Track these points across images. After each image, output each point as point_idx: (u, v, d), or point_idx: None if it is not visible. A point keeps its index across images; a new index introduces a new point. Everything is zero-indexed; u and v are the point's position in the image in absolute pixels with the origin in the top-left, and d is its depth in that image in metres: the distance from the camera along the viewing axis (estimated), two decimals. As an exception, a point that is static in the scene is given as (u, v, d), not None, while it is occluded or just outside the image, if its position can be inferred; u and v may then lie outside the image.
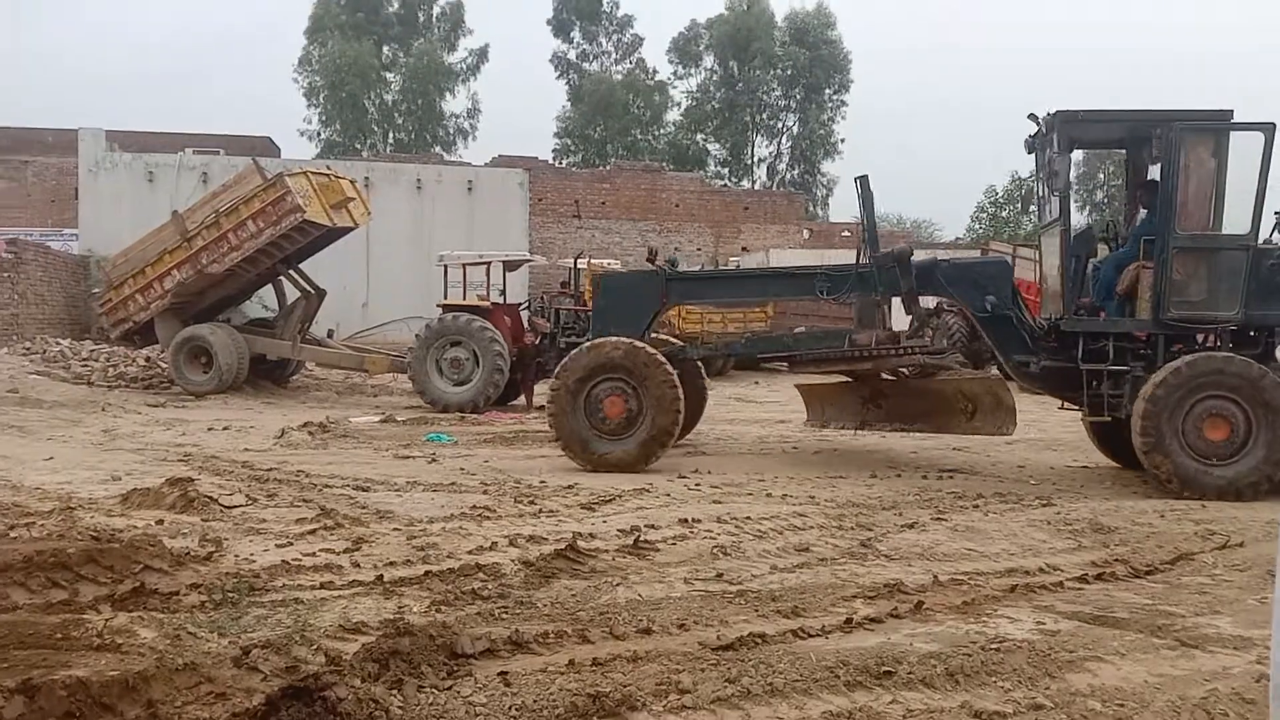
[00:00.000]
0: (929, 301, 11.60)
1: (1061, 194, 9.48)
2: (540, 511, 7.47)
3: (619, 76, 50.65)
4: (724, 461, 10.20)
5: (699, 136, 51.93)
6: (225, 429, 12.13)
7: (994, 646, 4.50)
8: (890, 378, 10.71)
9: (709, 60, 51.30)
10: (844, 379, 10.97)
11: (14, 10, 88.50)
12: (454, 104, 49.55)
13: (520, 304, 19.39)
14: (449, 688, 3.83)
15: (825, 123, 51.48)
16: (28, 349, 17.81)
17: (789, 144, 52.46)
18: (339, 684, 3.51)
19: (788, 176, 51.89)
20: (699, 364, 11.29)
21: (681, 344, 11.09)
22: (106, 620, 4.51)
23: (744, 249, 34.21)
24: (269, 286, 18.10)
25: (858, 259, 9.91)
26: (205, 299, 17.22)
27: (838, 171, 52.68)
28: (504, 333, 15.82)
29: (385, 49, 48.72)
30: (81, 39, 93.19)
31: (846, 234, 39.05)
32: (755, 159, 52.89)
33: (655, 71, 51.67)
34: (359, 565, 5.78)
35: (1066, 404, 9.67)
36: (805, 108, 51.05)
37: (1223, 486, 8.35)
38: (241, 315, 18.45)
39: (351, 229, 17.77)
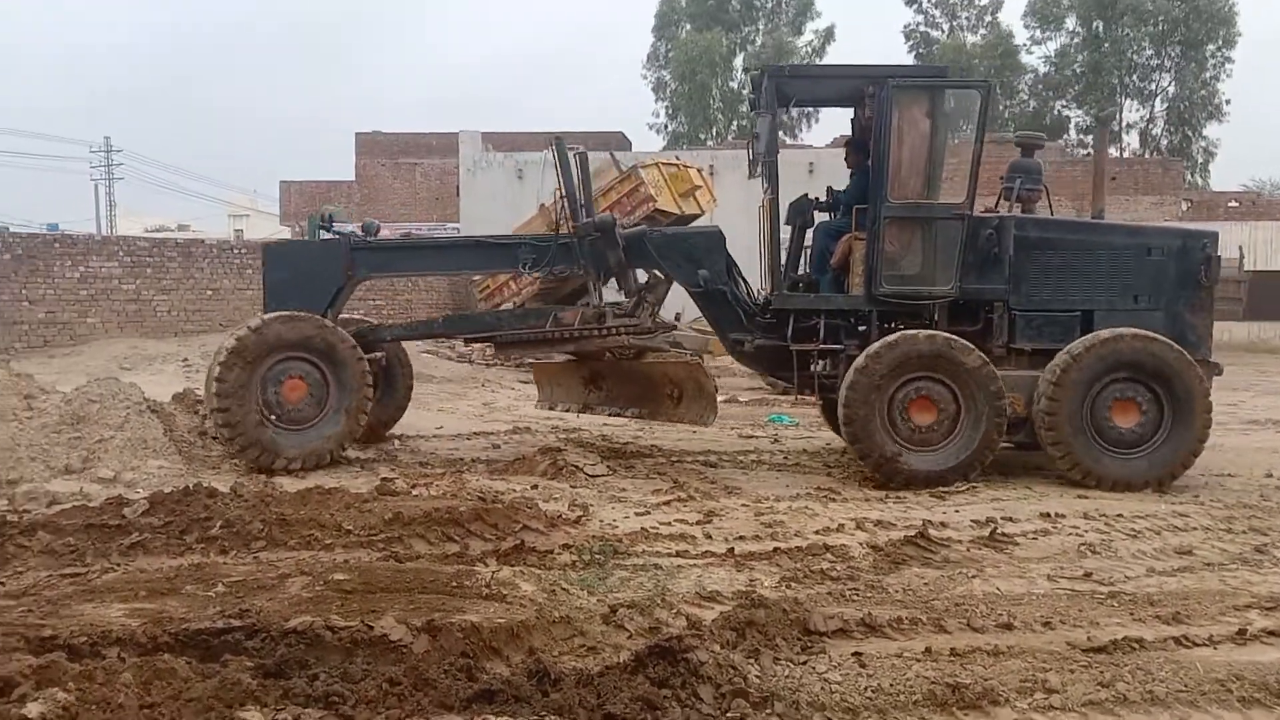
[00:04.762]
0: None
1: (766, 158, 8.28)
2: (887, 496, 7.37)
3: (973, 45, 48.24)
4: (1088, 453, 9.46)
5: (1058, 104, 48.34)
6: (585, 405, 12.99)
7: None
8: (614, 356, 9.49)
9: (1070, 22, 47.58)
10: (571, 358, 9.74)
11: (400, 29, 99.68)
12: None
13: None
14: (804, 662, 3.89)
15: (1207, 81, 46.00)
16: (419, 330, 20.03)
17: (1164, 107, 47.48)
18: (700, 648, 3.67)
19: (1163, 142, 47.01)
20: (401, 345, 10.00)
21: (373, 324, 9.69)
22: (493, 573, 5.01)
23: (1109, 224, 31.43)
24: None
25: (556, 229, 8.75)
26: (568, 285, 18.45)
27: (1222, 135, 46.95)
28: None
29: (727, 37, 49.62)
30: (455, 48, 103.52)
31: (1234, 204, 34.78)
32: (1124, 125, 48.41)
33: (1011, 35, 48.75)
34: (711, 537, 6.01)
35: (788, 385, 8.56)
36: (1183, 66, 45.92)
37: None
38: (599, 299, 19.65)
39: (698, 216, 18.33)
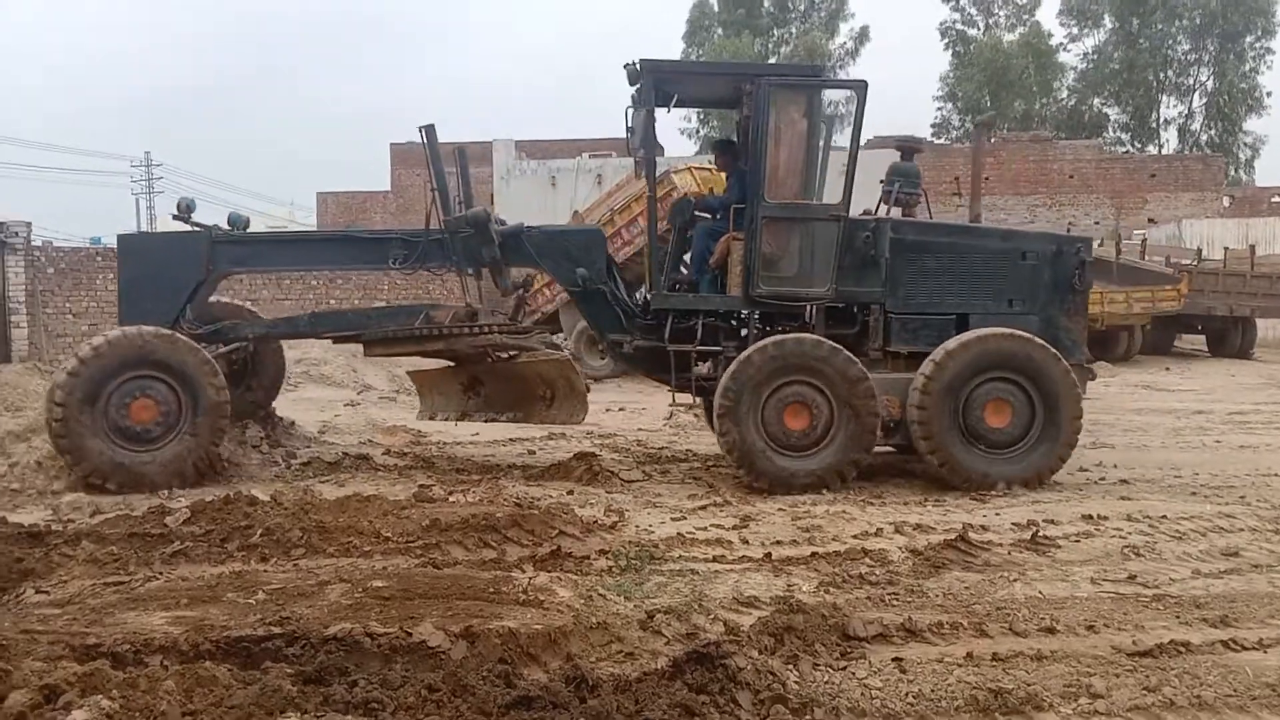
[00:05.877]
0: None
1: (644, 155, 8.16)
2: (925, 500, 7.29)
3: (1010, 43, 47.75)
4: (1132, 455, 9.33)
5: (1095, 101, 47.78)
6: (620, 410, 13.01)
7: None
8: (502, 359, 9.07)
9: (1107, 20, 46.99)
10: (450, 363, 9.30)
11: (437, 39, 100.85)
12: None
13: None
14: (843, 668, 3.86)
15: (1247, 74, 45.25)
16: (455, 338, 20.16)
17: (1202, 101, 46.76)
18: (738, 653, 3.65)
19: (1203, 138, 46.28)
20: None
21: (236, 320, 8.97)
22: (530, 579, 5.01)
23: (1150, 220, 31.05)
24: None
25: (427, 222, 8.43)
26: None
27: (1266, 129, 46.08)
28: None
29: (758, 41, 49.49)
30: (489, 57, 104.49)
31: (1278, 199, 34.16)
32: (1162, 121, 47.74)
33: (1050, 34, 48.22)
34: (747, 542, 5.98)
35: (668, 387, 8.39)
36: (1221, 60, 45.19)
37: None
38: (632, 305, 19.65)
39: (731, 219, 18.29)
